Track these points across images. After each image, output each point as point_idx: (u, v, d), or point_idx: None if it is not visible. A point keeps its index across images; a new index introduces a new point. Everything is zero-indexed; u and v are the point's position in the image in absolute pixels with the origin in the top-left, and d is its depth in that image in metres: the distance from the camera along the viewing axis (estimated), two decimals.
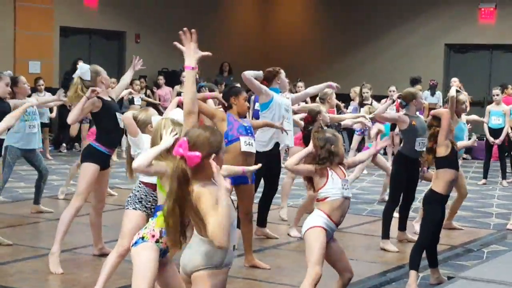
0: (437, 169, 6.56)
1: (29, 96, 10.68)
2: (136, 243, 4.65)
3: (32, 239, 8.17)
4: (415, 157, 8.03)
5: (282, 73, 8.35)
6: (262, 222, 8.38)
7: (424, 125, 8.13)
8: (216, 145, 3.85)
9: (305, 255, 5.45)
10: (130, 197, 5.71)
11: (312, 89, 8.94)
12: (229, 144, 6.78)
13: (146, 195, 5.63)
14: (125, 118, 5.99)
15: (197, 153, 3.78)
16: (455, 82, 15.75)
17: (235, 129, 6.84)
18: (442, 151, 6.45)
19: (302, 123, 8.66)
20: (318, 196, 5.57)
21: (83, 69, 7.24)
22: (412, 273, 6.47)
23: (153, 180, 5.50)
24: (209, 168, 3.75)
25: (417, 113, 8.34)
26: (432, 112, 6.74)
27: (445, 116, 6.47)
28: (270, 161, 7.92)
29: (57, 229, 6.89)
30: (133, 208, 5.62)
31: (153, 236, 4.64)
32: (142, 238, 4.65)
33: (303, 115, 8.91)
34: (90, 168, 6.95)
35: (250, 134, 6.95)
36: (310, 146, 5.58)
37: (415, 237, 8.57)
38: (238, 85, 7.76)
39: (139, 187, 5.66)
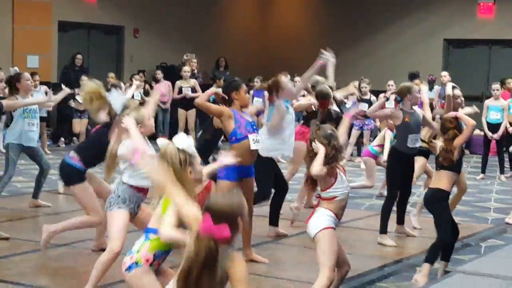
0: (440, 169, 6.65)
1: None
2: (130, 268, 4.55)
3: (30, 233, 8.16)
4: (409, 153, 8.05)
5: (282, 79, 7.92)
6: (276, 221, 8.35)
7: (419, 121, 8.16)
8: (239, 207, 3.62)
9: (318, 255, 5.38)
10: (112, 197, 5.65)
11: (306, 79, 8.60)
12: (237, 142, 6.79)
13: (131, 197, 5.62)
14: (125, 152, 5.57)
15: (226, 228, 3.52)
16: (445, 76, 15.71)
17: (243, 127, 6.84)
18: (454, 155, 6.59)
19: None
20: (324, 195, 5.51)
21: (116, 100, 6.55)
22: (426, 265, 6.55)
23: (141, 183, 5.59)
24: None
25: (415, 107, 8.31)
26: (458, 114, 6.82)
27: (471, 127, 6.68)
28: (274, 166, 7.99)
29: (66, 222, 6.90)
30: (118, 208, 5.58)
31: (147, 260, 4.54)
32: (136, 263, 4.54)
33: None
34: (83, 188, 6.76)
35: (256, 131, 6.99)
36: (323, 147, 5.51)
37: (414, 232, 8.62)
38: (237, 78, 7.72)
39: (124, 188, 5.62)
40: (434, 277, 6.74)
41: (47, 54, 17.75)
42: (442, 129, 6.80)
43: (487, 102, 13.93)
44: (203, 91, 15.88)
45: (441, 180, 6.63)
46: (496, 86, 13.91)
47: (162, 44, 20.08)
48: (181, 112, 16.09)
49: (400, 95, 8.18)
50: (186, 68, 16.31)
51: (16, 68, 10.77)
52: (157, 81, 17.94)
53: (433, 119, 8.67)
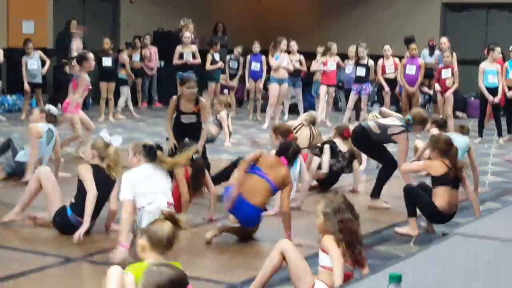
0: (440, 186, 7.19)
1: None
2: None
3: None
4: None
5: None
6: None
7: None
8: None
9: None
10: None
11: None
12: None
13: None
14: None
15: None
16: (444, 44, 15.48)
17: None
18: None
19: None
20: (323, 264, 4.95)
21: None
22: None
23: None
24: None
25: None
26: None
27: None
28: None
29: None
30: None
31: None
32: None
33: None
34: None
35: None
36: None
37: (387, 205, 8.52)
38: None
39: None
40: (432, 238, 6.78)
41: (42, 20, 17.59)
42: (444, 150, 7.11)
43: (483, 66, 13.89)
44: (200, 57, 15.87)
45: (439, 197, 7.07)
46: (499, 49, 13.90)
47: (158, 10, 19.93)
48: None
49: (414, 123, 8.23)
50: (187, 34, 16.12)
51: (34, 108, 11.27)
52: (145, 46, 17.78)
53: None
